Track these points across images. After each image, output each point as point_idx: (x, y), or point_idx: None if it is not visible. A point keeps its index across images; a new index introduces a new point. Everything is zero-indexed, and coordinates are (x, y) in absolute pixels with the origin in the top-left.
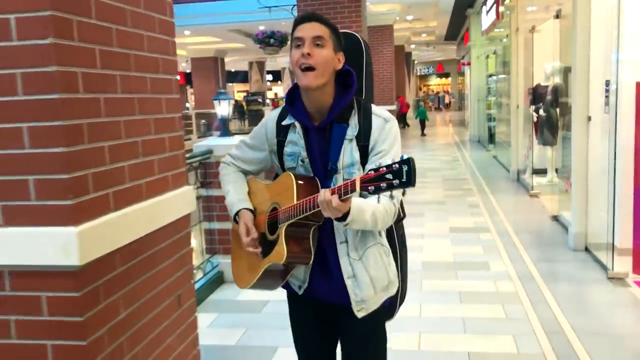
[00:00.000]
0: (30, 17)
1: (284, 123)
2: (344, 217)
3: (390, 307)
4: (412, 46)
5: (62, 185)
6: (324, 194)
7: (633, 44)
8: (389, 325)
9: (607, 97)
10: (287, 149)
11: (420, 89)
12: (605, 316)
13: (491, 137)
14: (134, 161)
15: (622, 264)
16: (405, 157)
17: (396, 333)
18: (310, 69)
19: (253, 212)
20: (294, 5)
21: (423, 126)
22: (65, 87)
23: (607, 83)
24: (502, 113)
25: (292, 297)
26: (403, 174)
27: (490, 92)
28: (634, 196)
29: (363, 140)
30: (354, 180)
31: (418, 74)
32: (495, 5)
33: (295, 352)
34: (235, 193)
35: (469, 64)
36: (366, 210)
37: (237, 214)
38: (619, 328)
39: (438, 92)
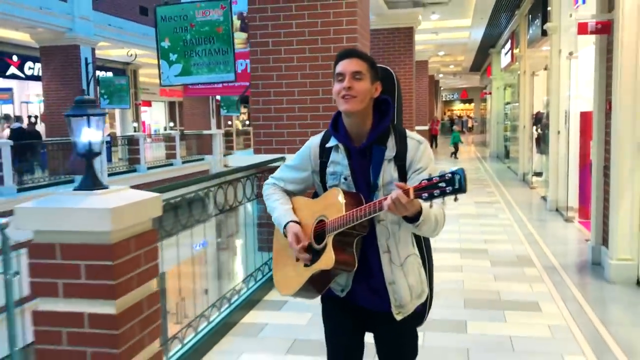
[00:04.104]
0: None
1: (327, 145)
2: (416, 218)
3: (420, 314)
4: (441, 75)
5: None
6: (396, 193)
7: (579, 89)
8: None
9: (566, 120)
10: (330, 168)
11: (445, 113)
12: (559, 234)
13: (507, 153)
14: None
15: (572, 213)
16: (455, 168)
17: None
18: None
19: (299, 224)
20: None
21: (456, 149)
22: None
23: (566, 112)
24: (514, 133)
25: (330, 299)
26: (456, 182)
27: (506, 117)
28: (579, 176)
29: (400, 160)
30: (408, 188)
31: (443, 99)
32: (510, 50)
33: (326, 349)
34: (281, 208)
35: (490, 93)
36: (431, 212)
37: (285, 226)
38: (554, 230)
39: (462, 117)
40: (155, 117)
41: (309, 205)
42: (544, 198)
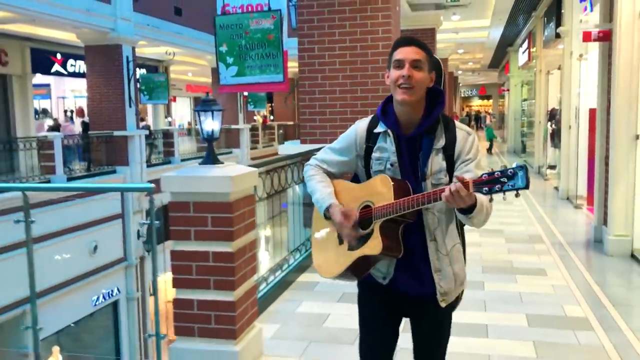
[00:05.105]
0: None
1: (375, 130)
2: (470, 210)
3: (457, 299)
4: (459, 72)
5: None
6: (455, 186)
7: (588, 88)
8: None
9: (576, 115)
10: (375, 154)
11: (463, 109)
12: (568, 218)
13: (523, 148)
14: None
15: (581, 201)
16: (519, 164)
17: None
18: (408, 88)
19: None
20: None
21: (491, 144)
22: None
23: (576, 109)
24: (530, 129)
25: (369, 285)
26: (519, 178)
27: (523, 113)
28: (588, 167)
29: (449, 150)
30: (468, 181)
31: (462, 95)
32: (527, 49)
33: (360, 336)
34: (324, 191)
35: (507, 90)
36: (484, 205)
37: (327, 208)
38: (563, 215)
39: (479, 112)
40: (180, 112)
41: (352, 189)
42: (556, 188)
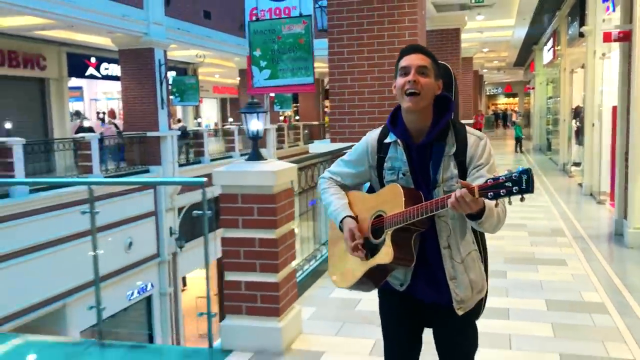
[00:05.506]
0: None
1: (386, 141)
2: (479, 215)
3: (478, 307)
4: (485, 70)
5: None
6: (460, 192)
7: (611, 86)
8: None
9: (599, 113)
10: (388, 164)
11: (489, 107)
12: (591, 213)
13: (549, 146)
14: None
15: (604, 197)
16: (523, 167)
17: None
18: (414, 94)
19: (355, 219)
20: None
21: (520, 142)
22: None
23: (599, 106)
24: (556, 127)
25: (388, 292)
26: (523, 182)
27: (549, 111)
28: (611, 163)
29: (460, 156)
30: (473, 187)
31: (488, 93)
32: (552, 47)
33: (383, 343)
34: (337, 203)
35: (533, 88)
36: (493, 210)
37: (341, 221)
38: (586, 210)
39: (506, 110)
40: (207, 113)
41: (365, 200)
42: (580, 185)
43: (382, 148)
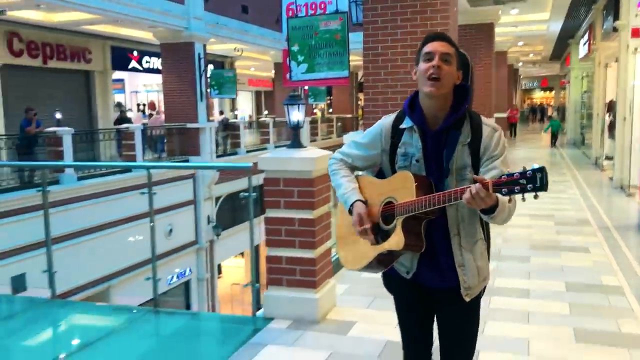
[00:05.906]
0: None
1: (401, 126)
2: (492, 210)
3: (481, 293)
4: (520, 64)
5: None
6: (475, 187)
7: None
8: None
9: (630, 107)
10: (401, 149)
11: (524, 102)
12: (618, 205)
13: (583, 140)
14: None
15: (633, 190)
16: (537, 165)
17: None
18: (436, 79)
19: (365, 203)
20: None
21: (555, 138)
22: None
23: (631, 101)
24: (589, 121)
25: (394, 278)
26: (537, 180)
27: (583, 106)
28: None
29: (474, 146)
30: (487, 182)
31: (523, 87)
32: (588, 41)
33: (399, 329)
34: (348, 186)
35: (568, 82)
36: (506, 205)
37: (352, 205)
38: (614, 203)
39: (542, 104)
40: (242, 105)
41: (376, 185)
42: (611, 178)
43: (396, 133)
